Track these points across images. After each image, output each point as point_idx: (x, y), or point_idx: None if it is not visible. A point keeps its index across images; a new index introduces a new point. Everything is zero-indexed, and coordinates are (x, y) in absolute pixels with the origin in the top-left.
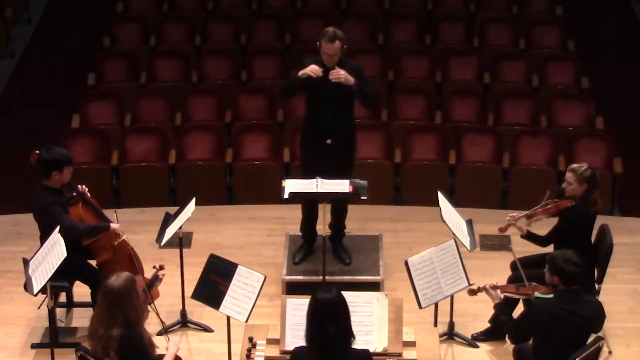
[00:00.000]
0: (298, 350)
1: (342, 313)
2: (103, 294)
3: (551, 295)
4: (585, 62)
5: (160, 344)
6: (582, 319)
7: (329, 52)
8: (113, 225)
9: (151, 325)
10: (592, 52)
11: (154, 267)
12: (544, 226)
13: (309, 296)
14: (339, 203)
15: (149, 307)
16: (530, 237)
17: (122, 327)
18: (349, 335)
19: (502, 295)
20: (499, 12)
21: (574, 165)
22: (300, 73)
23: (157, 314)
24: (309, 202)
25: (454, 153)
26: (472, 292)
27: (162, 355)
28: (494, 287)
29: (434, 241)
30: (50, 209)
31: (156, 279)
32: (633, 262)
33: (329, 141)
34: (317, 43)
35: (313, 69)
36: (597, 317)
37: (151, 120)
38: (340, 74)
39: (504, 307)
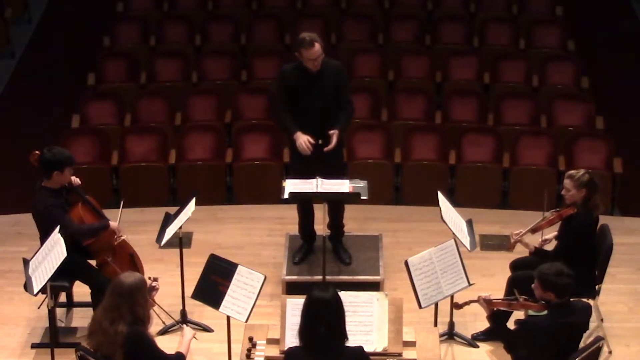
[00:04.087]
0: (291, 350)
1: (335, 313)
2: (113, 288)
3: (545, 312)
4: (585, 62)
5: (162, 344)
6: (577, 328)
7: (312, 57)
8: (112, 224)
9: (153, 325)
10: (592, 52)
11: (149, 278)
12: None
13: None
14: (334, 203)
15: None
16: (538, 254)
17: (128, 323)
18: (342, 336)
19: (493, 308)
20: (499, 12)
21: (572, 172)
22: (299, 147)
23: (164, 314)
24: (303, 203)
25: (454, 153)
26: (458, 307)
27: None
28: (486, 301)
29: (434, 241)
30: (52, 212)
31: (152, 289)
32: (633, 262)
33: (320, 142)
34: (295, 53)
35: (306, 145)
36: (588, 320)
37: (151, 120)
38: (332, 146)
39: (498, 317)
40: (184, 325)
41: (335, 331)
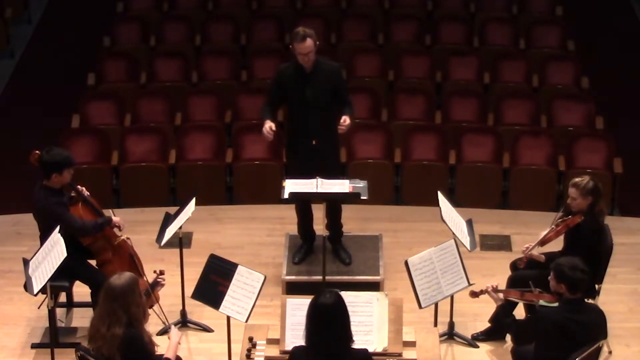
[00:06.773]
0: (296, 349)
1: (340, 318)
2: (105, 292)
3: (556, 304)
4: (585, 62)
5: (162, 344)
6: (586, 328)
7: (302, 51)
8: (114, 219)
9: (152, 325)
10: (592, 52)
11: (154, 272)
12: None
13: (309, 296)
14: (332, 203)
15: (151, 310)
16: (552, 260)
17: (125, 325)
18: (348, 339)
19: (503, 298)
20: (499, 12)
21: (576, 180)
22: (264, 131)
23: (163, 316)
24: (301, 203)
25: (454, 153)
26: (474, 295)
27: (162, 355)
28: (497, 290)
29: (434, 241)
30: (55, 210)
31: (157, 284)
32: (633, 262)
33: (314, 142)
34: (290, 46)
35: (266, 131)
36: (600, 325)
37: (151, 120)
38: (346, 125)
39: (506, 308)
40: (172, 327)
41: (341, 335)
